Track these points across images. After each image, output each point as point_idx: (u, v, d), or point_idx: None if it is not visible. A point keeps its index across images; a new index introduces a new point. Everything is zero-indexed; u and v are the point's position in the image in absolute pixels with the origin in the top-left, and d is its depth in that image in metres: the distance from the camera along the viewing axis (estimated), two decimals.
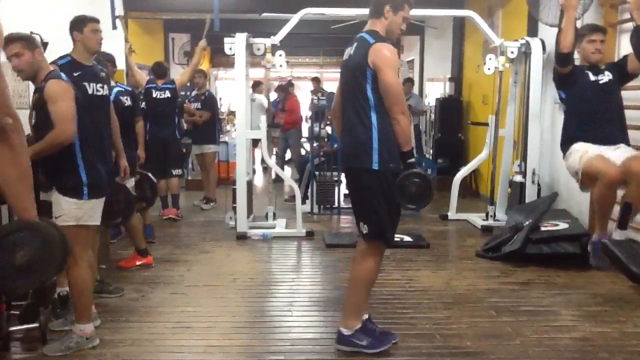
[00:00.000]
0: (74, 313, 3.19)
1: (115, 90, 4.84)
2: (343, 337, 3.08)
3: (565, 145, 4.00)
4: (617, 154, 3.75)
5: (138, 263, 4.60)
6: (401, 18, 3.03)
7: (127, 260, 4.63)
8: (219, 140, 7.73)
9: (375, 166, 2.93)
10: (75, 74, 3.58)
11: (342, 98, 3.18)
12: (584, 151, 3.78)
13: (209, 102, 7.40)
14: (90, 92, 3.64)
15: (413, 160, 2.98)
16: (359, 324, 3.09)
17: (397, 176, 2.94)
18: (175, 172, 6.45)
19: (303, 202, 6.43)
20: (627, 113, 4.08)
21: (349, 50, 3.07)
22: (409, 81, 9.85)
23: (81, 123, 3.17)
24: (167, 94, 6.30)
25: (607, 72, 3.87)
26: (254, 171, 7.38)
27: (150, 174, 4.88)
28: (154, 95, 6.27)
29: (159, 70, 6.53)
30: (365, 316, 3.20)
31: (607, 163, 3.65)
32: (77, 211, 3.08)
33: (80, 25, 3.60)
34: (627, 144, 3.88)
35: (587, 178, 3.81)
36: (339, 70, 3.26)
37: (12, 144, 1.85)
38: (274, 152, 10.48)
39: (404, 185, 2.94)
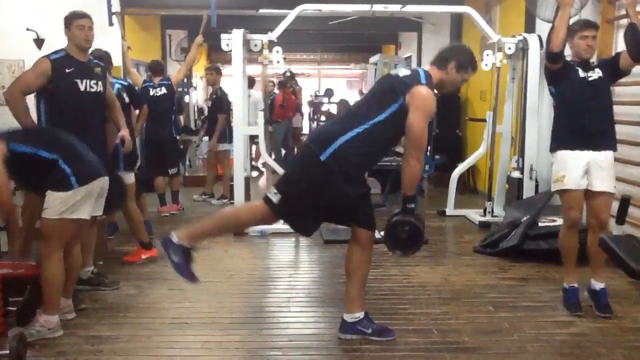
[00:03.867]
0: (43, 301, 3.17)
1: (117, 86, 4.86)
2: None
3: (554, 142, 3.97)
4: (594, 182, 3.64)
5: (144, 257, 4.61)
6: (461, 78, 3.08)
7: (132, 255, 4.64)
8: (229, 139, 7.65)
9: (323, 157, 2.89)
10: (67, 70, 3.65)
11: (360, 98, 3.22)
12: (561, 174, 3.70)
13: (219, 101, 7.29)
14: (82, 89, 3.70)
15: (413, 206, 2.97)
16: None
17: (339, 182, 2.89)
18: (172, 171, 6.54)
19: None
20: (622, 109, 4.08)
21: (400, 70, 3.09)
22: None
23: (65, 118, 3.23)
24: (164, 90, 6.34)
25: (597, 69, 3.85)
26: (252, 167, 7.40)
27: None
28: (152, 94, 6.30)
29: (157, 68, 6.58)
30: (361, 314, 3.20)
31: (574, 205, 3.64)
32: (62, 205, 3.07)
33: (67, 22, 3.72)
34: (613, 147, 3.81)
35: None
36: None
37: None
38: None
39: (396, 231, 2.96)
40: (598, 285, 3.70)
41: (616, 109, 4.15)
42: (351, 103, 13.86)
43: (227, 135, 7.36)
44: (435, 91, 3.05)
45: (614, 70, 3.84)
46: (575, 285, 3.73)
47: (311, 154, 2.96)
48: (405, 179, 2.94)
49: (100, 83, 3.79)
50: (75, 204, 3.10)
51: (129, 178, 4.70)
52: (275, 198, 2.99)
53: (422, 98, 2.89)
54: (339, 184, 2.91)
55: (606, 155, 3.69)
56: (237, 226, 3.11)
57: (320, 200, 2.95)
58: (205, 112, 8.91)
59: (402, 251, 3.07)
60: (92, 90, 3.74)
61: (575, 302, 3.67)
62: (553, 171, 3.81)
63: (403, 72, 3.08)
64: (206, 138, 7.95)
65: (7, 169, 3.01)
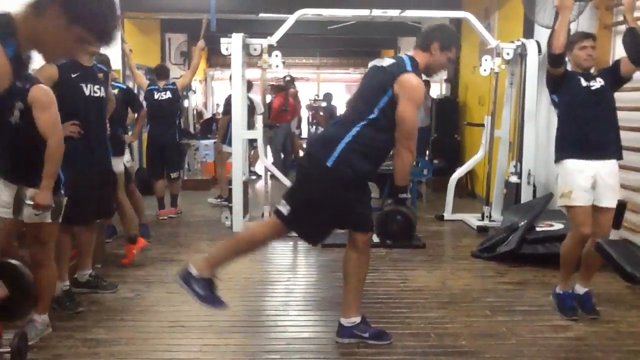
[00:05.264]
0: (39, 305, 3.18)
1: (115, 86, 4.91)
2: None
3: (558, 152, 3.97)
4: (602, 199, 3.63)
5: (135, 251, 4.60)
6: (446, 58, 3.06)
7: (126, 257, 4.63)
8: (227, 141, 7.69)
9: (329, 163, 2.88)
10: (73, 75, 3.69)
11: (353, 96, 3.21)
12: (568, 190, 3.68)
13: (225, 103, 7.38)
14: (87, 93, 3.74)
15: (406, 196, 2.97)
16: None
17: (349, 187, 2.90)
18: (173, 175, 6.56)
19: None
20: (621, 115, 4.08)
21: (386, 61, 3.07)
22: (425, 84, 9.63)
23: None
24: (169, 95, 6.38)
25: (599, 79, 3.86)
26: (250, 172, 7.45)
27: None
28: (156, 97, 6.33)
29: (162, 72, 6.61)
30: (357, 318, 3.20)
31: (584, 221, 3.58)
32: (63, 208, 3.12)
33: None
34: (619, 156, 3.81)
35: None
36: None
37: None
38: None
39: (387, 220, 2.98)
40: (582, 289, 3.72)
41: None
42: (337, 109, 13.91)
43: (228, 137, 7.42)
44: (425, 76, 3.04)
45: (615, 77, 3.84)
46: (570, 290, 3.74)
47: (317, 161, 2.94)
48: (397, 169, 2.93)
49: (102, 88, 3.85)
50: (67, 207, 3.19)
51: (118, 165, 4.66)
52: (285, 210, 2.98)
53: (411, 87, 2.88)
54: (345, 189, 2.90)
55: (612, 167, 3.66)
56: (254, 245, 3.10)
57: (328, 208, 2.94)
58: (204, 116, 8.96)
59: (393, 241, 3.06)
60: (96, 95, 3.79)
61: (572, 306, 3.67)
62: (559, 184, 3.76)
63: (387, 61, 3.05)
64: (205, 141, 7.99)
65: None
